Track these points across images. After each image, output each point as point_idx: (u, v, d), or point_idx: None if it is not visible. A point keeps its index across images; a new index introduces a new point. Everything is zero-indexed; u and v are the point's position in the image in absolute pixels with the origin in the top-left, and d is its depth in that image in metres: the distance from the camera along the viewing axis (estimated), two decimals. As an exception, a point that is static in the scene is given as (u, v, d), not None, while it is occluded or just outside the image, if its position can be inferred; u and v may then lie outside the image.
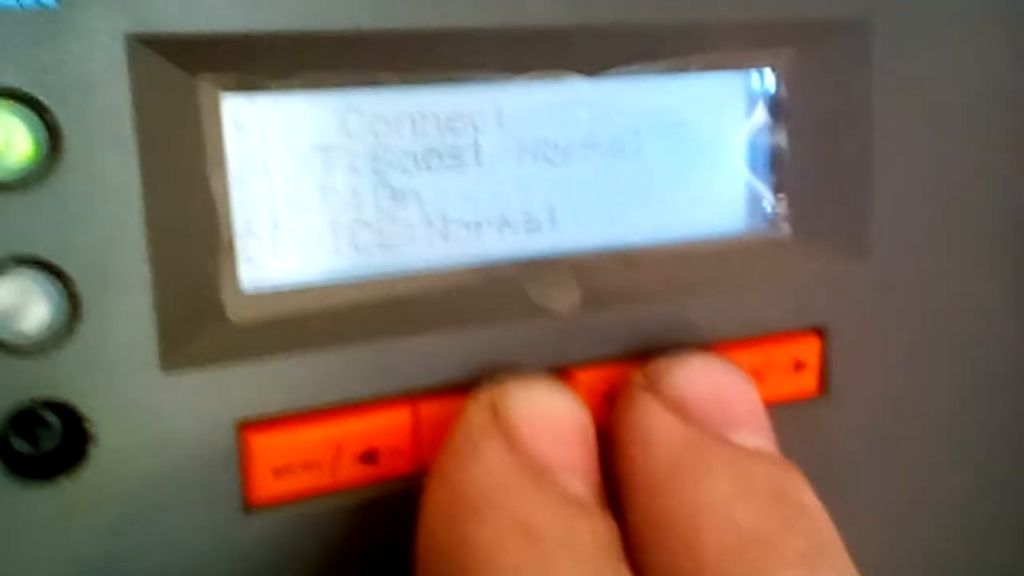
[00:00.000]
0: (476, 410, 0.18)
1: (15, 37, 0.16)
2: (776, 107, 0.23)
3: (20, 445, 0.17)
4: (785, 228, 0.23)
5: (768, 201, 0.23)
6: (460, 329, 0.20)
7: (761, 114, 0.23)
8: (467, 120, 0.20)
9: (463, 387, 0.20)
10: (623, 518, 0.18)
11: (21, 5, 0.16)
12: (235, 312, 0.19)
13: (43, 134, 0.16)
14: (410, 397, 0.19)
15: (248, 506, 0.18)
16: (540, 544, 0.16)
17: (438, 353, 0.20)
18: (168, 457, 0.18)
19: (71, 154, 0.16)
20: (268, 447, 0.18)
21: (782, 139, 0.23)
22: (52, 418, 0.17)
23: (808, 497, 0.18)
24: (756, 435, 0.18)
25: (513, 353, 0.20)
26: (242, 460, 0.18)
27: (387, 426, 0.19)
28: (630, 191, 0.22)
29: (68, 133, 0.16)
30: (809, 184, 0.23)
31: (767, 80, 0.23)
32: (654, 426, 0.18)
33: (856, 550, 0.23)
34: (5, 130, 0.16)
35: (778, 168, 0.23)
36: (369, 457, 0.19)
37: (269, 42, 0.18)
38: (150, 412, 0.18)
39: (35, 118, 0.16)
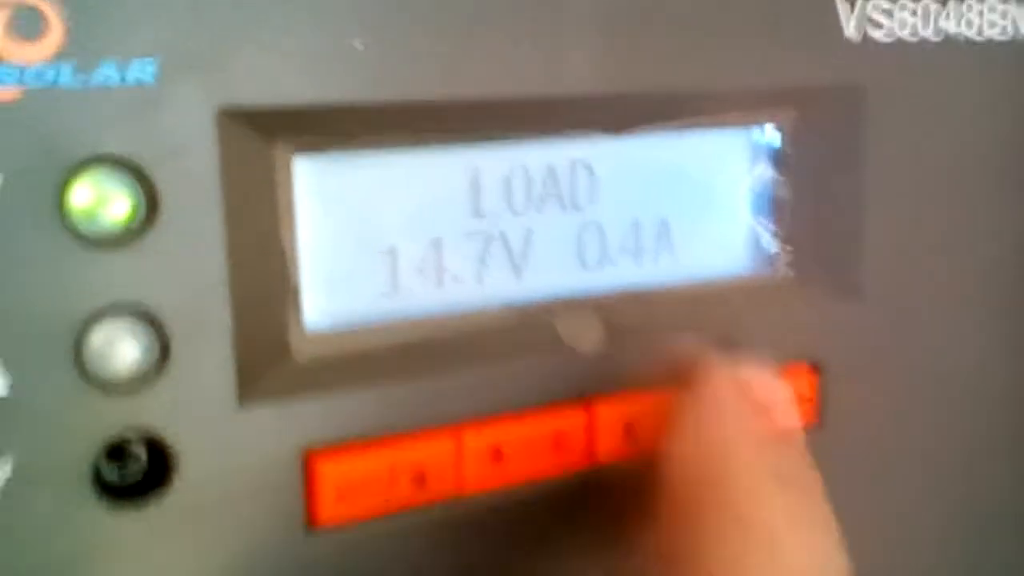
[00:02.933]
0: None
1: (118, 110, 0.18)
2: (778, 161, 0.25)
3: (111, 474, 0.19)
4: (785, 270, 0.26)
5: (770, 245, 0.26)
6: (497, 364, 0.22)
7: (764, 167, 0.25)
8: (511, 175, 0.23)
9: (501, 416, 0.22)
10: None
11: (124, 82, 0.18)
12: (300, 351, 0.21)
13: (141, 197, 0.18)
14: (454, 426, 0.22)
15: (312, 526, 0.20)
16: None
17: (478, 386, 0.22)
18: (241, 483, 0.20)
19: (165, 214, 0.18)
20: (330, 472, 0.20)
21: (783, 189, 0.25)
22: (140, 449, 0.19)
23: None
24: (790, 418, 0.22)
25: (543, 385, 0.23)
26: (307, 484, 0.20)
27: (434, 452, 0.21)
28: (646, 237, 0.24)
29: (163, 196, 0.18)
30: (808, 230, 0.25)
31: (770, 136, 0.25)
32: (742, 426, 0.21)
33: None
34: (108, 194, 0.18)
35: (779, 215, 0.25)
36: (418, 481, 0.21)
37: (334, 111, 0.20)
38: (227, 442, 0.20)
39: (135, 183, 0.18)
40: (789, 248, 0.26)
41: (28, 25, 0.17)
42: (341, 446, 0.21)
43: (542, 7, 0.21)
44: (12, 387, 0.17)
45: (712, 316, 0.25)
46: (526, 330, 0.23)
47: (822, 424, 0.26)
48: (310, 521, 0.20)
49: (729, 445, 0.21)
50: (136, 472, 0.19)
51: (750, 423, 0.21)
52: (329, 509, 0.21)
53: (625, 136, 0.24)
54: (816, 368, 0.25)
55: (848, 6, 0.24)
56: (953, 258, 0.27)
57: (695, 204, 0.25)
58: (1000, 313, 0.28)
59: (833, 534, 0.21)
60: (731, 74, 0.23)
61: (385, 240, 0.22)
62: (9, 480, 0.18)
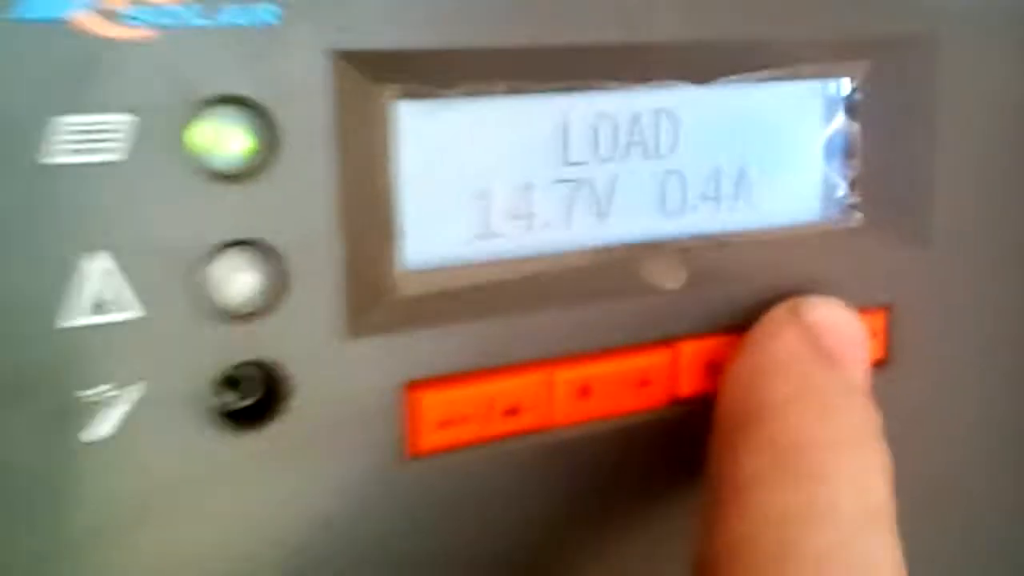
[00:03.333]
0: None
1: (241, 51, 0.19)
2: (852, 111, 0.26)
3: (229, 398, 0.20)
4: (857, 217, 0.26)
5: (843, 192, 0.26)
6: (584, 304, 0.23)
7: (839, 117, 0.26)
8: (599, 123, 0.23)
9: (588, 354, 0.23)
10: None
11: (248, 23, 0.19)
12: (401, 288, 0.22)
13: (262, 134, 0.19)
14: (545, 362, 0.23)
15: (411, 454, 0.21)
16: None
17: (567, 324, 0.23)
18: (347, 411, 0.21)
19: (283, 153, 0.19)
20: (430, 403, 0.21)
21: (857, 138, 0.26)
22: (256, 377, 0.20)
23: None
24: (857, 371, 0.23)
25: (627, 326, 0.23)
26: (407, 414, 0.21)
27: (526, 387, 0.22)
28: (726, 184, 0.25)
29: (281, 135, 0.19)
30: (879, 178, 0.26)
31: (844, 87, 0.26)
32: (794, 358, 0.22)
33: (906, 507, 0.26)
34: (230, 131, 0.19)
35: (852, 164, 0.26)
36: (512, 412, 0.22)
37: (435, 56, 0.21)
38: (335, 372, 0.21)
39: (257, 120, 0.19)
40: (861, 196, 0.26)
41: (160, -31, 0.18)
42: (440, 378, 0.22)
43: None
44: (142, 317, 0.19)
45: (787, 261, 0.25)
46: (611, 272, 0.24)
47: (890, 360, 0.26)
48: (409, 449, 0.21)
49: (776, 369, 0.22)
50: (252, 398, 0.20)
51: (803, 352, 0.22)
52: (428, 438, 0.22)
53: (707, 85, 0.24)
54: (887, 309, 0.26)
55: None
56: (1022, 208, 0.27)
57: (772, 153, 0.26)
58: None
59: (881, 471, 0.22)
60: (807, 25, 0.24)
61: (479, 184, 0.23)
62: (139, 402, 0.19)
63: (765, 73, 0.25)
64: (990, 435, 0.29)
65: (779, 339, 0.23)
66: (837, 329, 0.23)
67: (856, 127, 0.26)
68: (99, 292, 0.18)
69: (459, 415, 0.22)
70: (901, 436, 0.27)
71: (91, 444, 0.18)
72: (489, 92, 0.22)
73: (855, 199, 0.26)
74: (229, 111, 0.19)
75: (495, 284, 0.23)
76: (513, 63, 0.22)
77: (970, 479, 0.29)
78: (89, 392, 0.18)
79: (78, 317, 0.18)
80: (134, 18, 0.18)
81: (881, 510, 0.21)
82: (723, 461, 0.22)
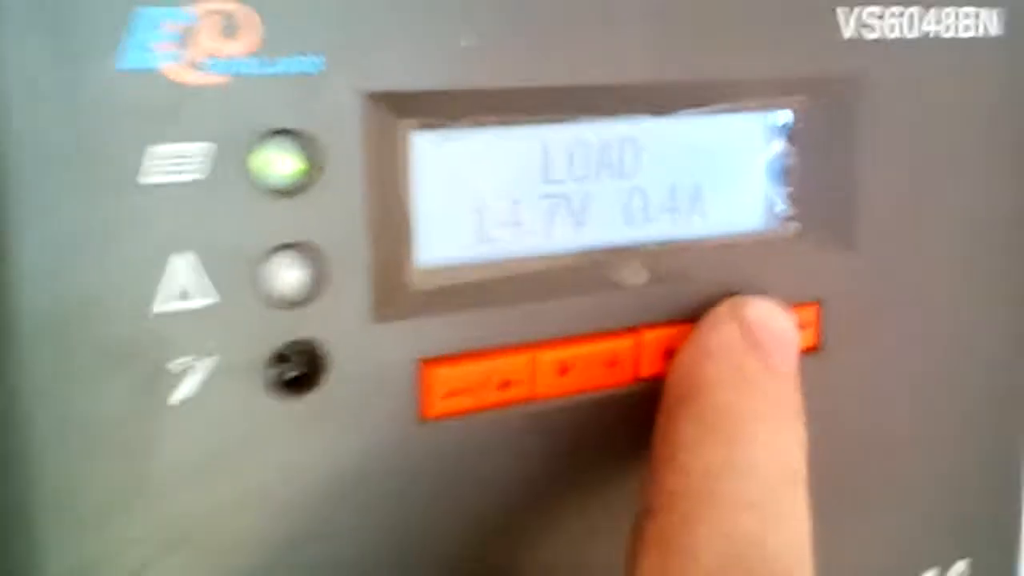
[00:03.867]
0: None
1: (294, 92, 0.24)
2: (791, 137, 0.31)
3: (280, 370, 0.25)
4: (794, 226, 0.32)
5: (782, 206, 0.32)
6: (563, 298, 0.28)
7: (779, 142, 0.31)
8: (575, 148, 0.28)
9: (566, 339, 0.28)
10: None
11: (299, 72, 0.24)
12: (415, 282, 0.27)
13: (309, 158, 0.24)
14: (530, 345, 0.27)
15: (423, 419, 0.26)
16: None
17: (549, 314, 0.28)
18: (372, 383, 0.26)
19: (326, 172, 0.24)
20: (438, 377, 0.26)
21: (794, 161, 0.31)
22: (302, 352, 0.25)
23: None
24: (784, 360, 0.27)
25: (598, 316, 0.28)
26: (420, 386, 0.26)
27: (516, 364, 0.27)
28: (683, 198, 0.30)
29: (324, 158, 0.24)
30: (812, 194, 0.31)
31: (785, 117, 0.31)
32: (728, 347, 0.27)
33: (836, 482, 0.32)
34: (283, 157, 0.24)
35: (791, 182, 0.31)
36: (504, 385, 0.27)
37: (446, 95, 0.26)
38: (363, 351, 0.25)
39: (304, 147, 0.24)
40: (797, 208, 0.31)
41: (230, 27, 0.23)
42: (447, 357, 0.26)
43: (602, 10, 0.27)
44: (217, 303, 0.23)
45: (734, 263, 0.30)
46: (586, 271, 0.29)
47: (822, 348, 0.31)
48: (422, 414, 0.26)
49: (712, 355, 0.27)
50: (298, 371, 0.25)
51: (736, 342, 0.27)
52: (437, 405, 0.26)
53: (665, 117, 0.29)
54: (819, 304, 0.31)
55: (847, 10, 0.30)
56: (937, 216, 0.33)
57: (722, 173, 0.31)
58: (981, 267, 0.34)
59: (796, 441, 0.26)
60: (752, 66, 0.29)
61: (478, 198, 0.28)
62: (212, 372, 0.24)
63: (717, 106, 0.30)
64: (913, 415, 0.35)
65: (718, 331, 0.27)
66: (768, 324, 0.27)
67: (794, 151, 0.31)
68: (184, 283, 0.23)
69: (462, 387, 0.27)
70: (832, 414, 0.32)
71: (175, 405, 0.23)
72: (487, 123, 0.27)
73: (792, 211, 0.31)
74: (283, 140, 0.24)
75: (491, 280, 0.27)
76: (506, 100, 0.27)
77: (894, 456, 0.34)
78: (175, 363, 0.23)
79: (169, 302, 0.23)
80: (210, 67, 0.23)
81: (793, 472, 0.25)
82: (664, 431, 0.26)
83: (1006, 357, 0.36)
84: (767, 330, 0.27)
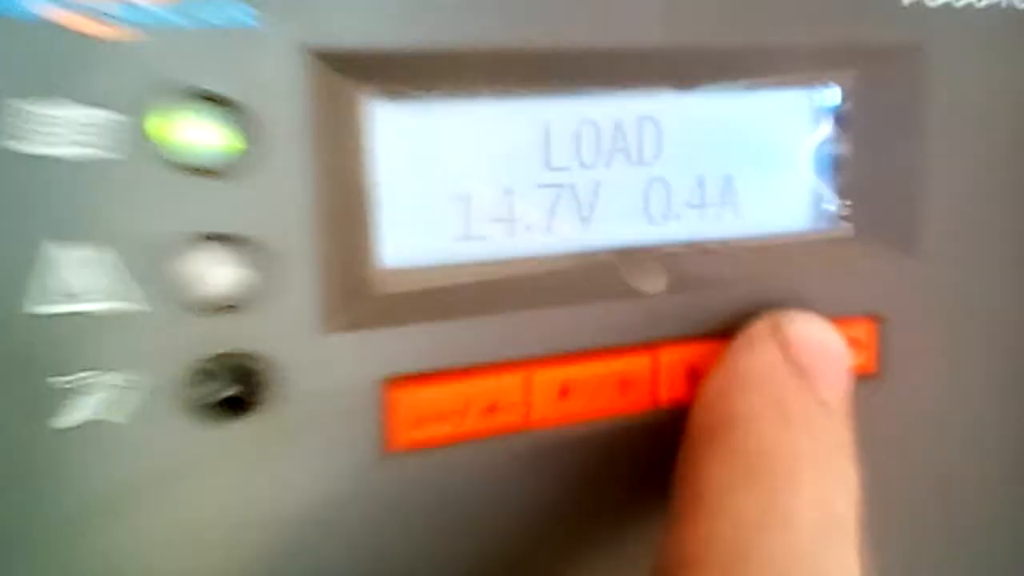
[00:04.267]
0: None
1: (220, 49, 0.19)
2: (840, 120, 0.26)
3: (208, 389, 0.20)
4: (847, 227, 0.26)
5: (832, 203, 0.26)
6: (565, 306, 0.23)
7: (827, 126, 0.26)
8: (581, 129, 0.24)
9: (568, 356, 0.23)
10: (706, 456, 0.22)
11: (226, 24, 0.19)
12: (379, 285, 0.22)
13: (241, 131, 0.20)
14: (524, 362, 0.23)
15: (388, 450, 0.22)
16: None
17: (547, 326, 0.23)
18: (324, 406, 0.21)
19: (259, 149, 0.20)
20: (406, 400, 0.22)
21: (845, 148, 0.26)
22: (236, 367, 0.20)
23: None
24: (833, 389, 0.22)
25: (608, 328, 0.24)
26: (384, 410, 0.22)
27: (505, 385, 0.23)
28: (711, 192, 0.25)
29: (261, 130, 0.20)
30: (869, 189, 0.26)
31: (833, 96, 0.26)
32: (768, 374, 0.22)
33: (895, 520, 0.26)
34: (207, 128, 0.19)
35: (841, 174, 0.26)
36: (489, 412, 0.22)
37: (414, 57, 0.21)
38: (312, 367, 0.21)
39: (235, 118, 0.19)
40: (850, 205, 0.26)
41: (141, -30, 0.18)
42: (417, 376, 0.22)
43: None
44: (119, 306, 0.19)
45: (774, 270, 0.25)
46: (593, 275, 0.24)
47: (881, 372, 0.26)
48: (388, 444, 0.22)
49: (749, 383, 0.22)
50: (230, 390, 0.20)
51: (777, 367, 0.22)
52: (403, 434, 0.22)
53: (690, 92, 0.25)
54: (876, 320, 0.26)
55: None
56: (1013, 217, 0.27)
57: (759, 162, 0.26)
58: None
59: (844, 485, 0.22)
60: (793, 32, 0.24)
61: (460, 186, 0.23)
62: (115, 391, 0.19)
63: (749, 80, 0.25)
64: (982, 448, 0.29)
65: (755, 353, 0.23)
66: (815, 346, 0.23)
67: (845, 137, 0.26)
68: (72, 281, 0.19)
69: (437, 412, 0.22)
70: (890, 449, 0.27)
71: (63, 431, 0.19)
72: (469, 94, 0.22)
73: (843, 209, 0.26)
74: (208, 108, 0.19)
75: (475, 284, 0.23)
76: (493, 65, 0.22)
77: (963, 492, 0.29)
78: (62, 379, 0.19)
79: (49, 304, 0.18)
80: (118, 17, 0.18)
81: (840, 523, 0.21)
82: (690, 469, 0.22)
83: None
84: (814, 353, 0.23)
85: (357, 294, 0.22)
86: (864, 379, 0.26)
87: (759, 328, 0.24)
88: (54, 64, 0.18)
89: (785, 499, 0.20)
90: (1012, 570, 0.31)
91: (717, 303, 0.25)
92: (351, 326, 0.21)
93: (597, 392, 0.23)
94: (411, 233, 0.22)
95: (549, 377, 0.23)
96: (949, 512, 0.29)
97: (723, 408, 0.22)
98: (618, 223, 0.25)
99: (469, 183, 0.23)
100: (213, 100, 0.19)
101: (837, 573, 0.20)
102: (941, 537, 0.29)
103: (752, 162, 0.26)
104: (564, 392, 0.23)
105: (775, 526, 0.20)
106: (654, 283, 0.24)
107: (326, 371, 0.21)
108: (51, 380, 0.19)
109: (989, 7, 0.26)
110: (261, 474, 0.21)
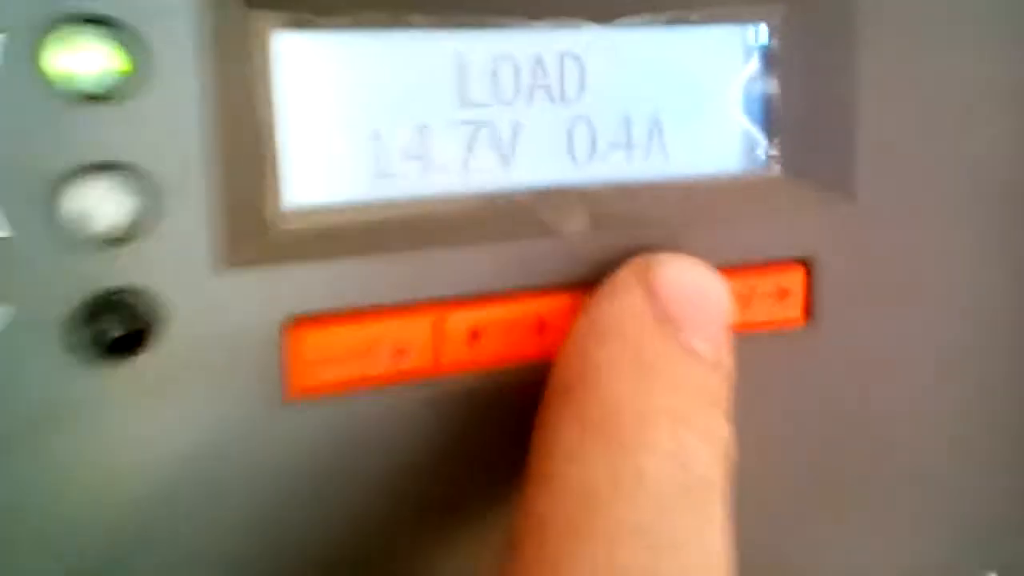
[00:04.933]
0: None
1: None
2: (769, 58, 0.25)
3: (97, 327, 0.19)
4: (776, 168, 0.26)
5: (761, 144, 0.26)
6: (479, 246, 0.22)
7: (755, 64, 0.25)
8: (498, 64, 0.23)
9: (482, 297, 0.22)
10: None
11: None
12: (280, 223, 0.21)
13: (130, 54, 0.19)
14: (435, 304, 0.22)
15: (290, 395, 0.21)
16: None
17: (461, 266, 0.22)
18: (220, 349, 0.20)
19: (154, 73, 0.19)
20: (309, 342, 0.21)
21: (774, 87, 0.25)
22: (122, 306, 0.20)
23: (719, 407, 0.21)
24: (706, 340, 0.21)
25: (526, 269, 0.23)
26: (285, 353, 0.21)
27: (415, 327, 0.22)
28: (638, 132, 0.25)
29: (150, 55, 0.19)
30: (799, 128, 0.25)
31: (761, 33, 0.25)
32: (627, 322, 0.21)
33: (826, 473, 0.26)
34: (91, 52, 0.18)
35: (770, 114, 0.25)
36: (397, 356, 0.22)
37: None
38: (206, 307, 0.20)
39: (123, 40, 0.18)
40: (780, 146, 0.26)
41: None
42: (322, 316, 0.21)
43: None
44: (2, 238, 0.18)
45: (700, 212, 0.25)
46: (512, 216, 0.23)
47: (813, 321, 0.26)
48: (287, 390, 0.21)
49: (607, 332, 0.21)
50: (120, 328, 0.19)
51: (640, 314, 0.21)
52: (308, 377, 0.21)
53: (614, 27, 0.24)
54: (807, 265, 0.25)
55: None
56: (952, 161, 0.27)
57: (687, 101, 0.25)
58: (1009, 220, 0.28)
59: (710, 445, 0.20)
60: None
61: (370, 123, 0.22)
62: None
63: (674, 15, 0.24)
64: (923, 403, 0.29)
65: (617, 300, 0.21)
66: (686, 290, 0.21)
67: (774, 74, 0.25)
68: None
69: (340, 355, 0.21)
70: (822, 402, 0.26)
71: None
72: (376, 24, 0.21)
73: (774, 149, 0.26)
74: (94, 29, 0.18)
75: (385, 222, 0.22)
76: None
77: (901, 452, 0.28)
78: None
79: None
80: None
81: (702, 486, 0.19)
82: (541, 430, 0.20)
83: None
84: (685, 298, 0.21)
85: (256, 230, 0.21)
86: (794, 327, 0.26)
87: (625, 273, 0.22)
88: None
89: (636, 458, 0.19)
90: (952, 518, 0.30)
91: (641, 246, 0.24)
92: (249, 263, 0.20)
93: (510, 336, 0.23)
94: (318, 169, 0.22)
95: (460, 319, 0.22)
96: (890, 472, 0.28)
97: (579, 362, 0.21)
98: (540, 163, 0.24)
99: (380, 119, 0.22)
100: (99, 21, 0.18)
101: (690, 539, 0.19)
102: (877, 488, 0.29)
103: (679, 101, 0.25)
104: (475, 335, 0.22)
105: (623, 488, 0.18)
106: (575, 223, 0.23)
107: (222, 310, 0.20)
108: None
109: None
110: (154, 416, 0.20)
